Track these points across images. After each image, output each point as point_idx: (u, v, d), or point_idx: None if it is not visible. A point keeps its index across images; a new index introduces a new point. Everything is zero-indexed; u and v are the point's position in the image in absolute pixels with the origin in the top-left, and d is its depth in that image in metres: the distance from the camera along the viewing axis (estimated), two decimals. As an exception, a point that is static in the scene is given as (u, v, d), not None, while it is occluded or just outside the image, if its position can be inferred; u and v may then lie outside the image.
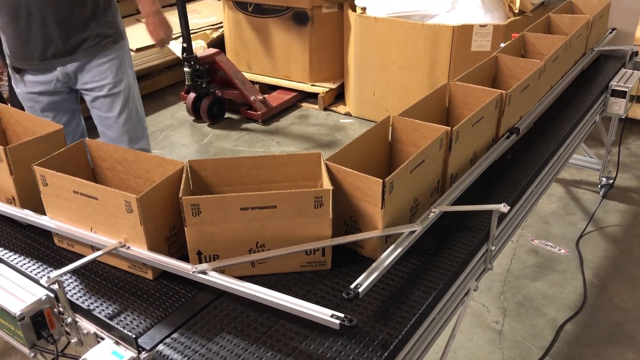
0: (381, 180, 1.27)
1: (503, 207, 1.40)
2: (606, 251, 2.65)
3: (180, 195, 1.25)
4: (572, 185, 3.18)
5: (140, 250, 1.28)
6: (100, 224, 1.33)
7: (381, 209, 1.30)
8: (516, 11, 3.51)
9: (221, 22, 4.73)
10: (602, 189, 3.06)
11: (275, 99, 4.18)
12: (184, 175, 1.33)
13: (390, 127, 1.62)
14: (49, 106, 2.32)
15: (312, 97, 4.24)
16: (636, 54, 2.73)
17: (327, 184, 1.31)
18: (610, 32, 2.94)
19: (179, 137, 3.85)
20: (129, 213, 1.25)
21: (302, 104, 4.28)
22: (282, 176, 1.45)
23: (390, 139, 1.64)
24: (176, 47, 4.30)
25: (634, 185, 3.16)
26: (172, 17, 4.77)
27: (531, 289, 2.42)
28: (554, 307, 2.32)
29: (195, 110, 3.99)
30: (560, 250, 2.66)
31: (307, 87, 4.19)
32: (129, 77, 2.38)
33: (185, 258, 1.31)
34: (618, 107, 2.47)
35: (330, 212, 1.28)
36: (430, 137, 1.48)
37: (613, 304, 2.34)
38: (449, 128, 1.50)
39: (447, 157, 1.55)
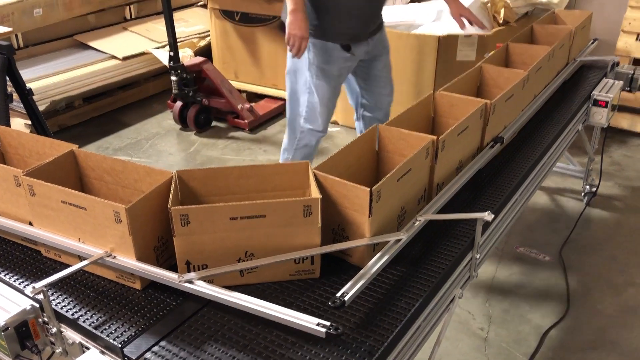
0: (368, 189, 1.29)
1: (487, 216, 1.42)
2: (589, 258, 2.69)
3: (169, 205, 1.25)
4: (557, 193, 3.22)
5: (126, 260, 1.29)
6: (89, 234, 1.33)
7: (368, 217, 1.32)
8: (500, 21, 3.56)
9: (208, 31, 4.74)
10: (586, 197, 3.11)
11: (263, 108, 4.19)
12: (172, 186, 1.34)
13: (378, 136, 1.64)
14: None
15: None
16: (617, 64, 2.79)
17: (315, 193, 1.33)
18: (592, 43, 2.99)
19: (165, 146, 3.84)
20: (118, 223, 1.25)
21: (289, 113, 4.29)
22: (270, 185, 1.46)
23: (377, 148, 1.66)
24: (163, 55, 4.31)
25: (616, 193, 3.21)
26: (159, 26, 4.79)
27: (516, 296, 2.45)
28: (539, 314, 2.35)
29: (182, 119, 3.99)
30: (544, 257, 2.69)
31: (294, 96, 4.20)
32: None
33: (174, 268, 1.31)
34: (600, 116, 2.51)
35: (319, 221, 1.30)
36: (416, 146, 1.50)
37: (596, 310, 2.37)
38: (435, 137, 1.52)
39: (433, 166, 1.57)
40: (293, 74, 2.65)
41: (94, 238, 1.33)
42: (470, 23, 2.63)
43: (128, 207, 1.23)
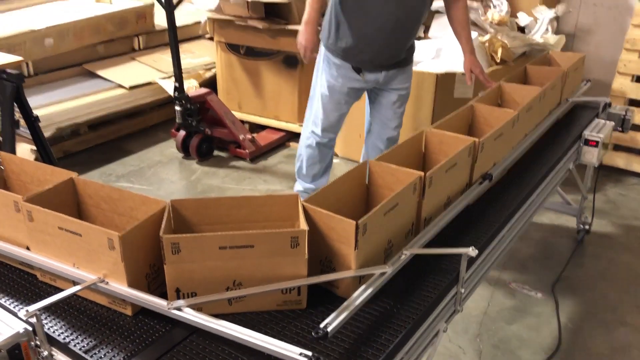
0: (354, 222, 1.33)
1: (471, 251, 1.46)
2: (581, 296, 2.70)
3: (160, 233, 1.30)
4: (550, 230, 3.25)
5: (118, 286, 1.33)
6: (83, 260, 1.37)
7: (355, 249, 1.36)
8: (498, 60, 3.64)
9: (214, 63, 4.85)
10: (579, 234, 3.13)
11: (264, 138, 4.26)
12: (165, 214, 1.39)
13: (368, 171, 1.69)
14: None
15: (300, 136, 4.32)
16: (609, 105, 2.85)
17: (303, 225, 1.37)
18: (585, 84, 3.06)
19: (167, 174, 3.90)
20: (111, 250, 1.30)
21: (290, 144, 4.36)
22: (261, 216, 1.51)
23: (367, 182, 1.71)
24: (169, 85, 4.41)
25: (610, 232, 3.24)
26: (166, 56, 4.91)
27: (507, 332, 2.46)
28: (529, 350, 2.36)
29: (184, 148, 4.06)
30: (537, 293, 2.71)
31: (295, 127, 4.28)
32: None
33: (165, 295, 1.35)
34: (591, 155, 2.56)
35: (306, 252, 1.34)
36: (404, 182, 1.55)
37: (587, 348, 2.38)
38: (423, 173, 1.57)
39: (420, 201, 1.61)
40: (314, 75, 2.88)
41: (88, 264, 1.37)
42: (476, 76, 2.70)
43: (121, 234, 1.27)
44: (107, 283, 1.34)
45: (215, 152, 4.19)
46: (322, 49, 2.75)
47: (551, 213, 3.36)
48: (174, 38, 3.70)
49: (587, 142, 2.52)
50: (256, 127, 4.50)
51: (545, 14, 3.93)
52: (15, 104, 2.99)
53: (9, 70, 2.93)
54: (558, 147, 2.41)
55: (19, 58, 3.09)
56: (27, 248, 1.49)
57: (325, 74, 2.76)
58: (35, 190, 1.51)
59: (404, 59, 2.74)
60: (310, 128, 2.97)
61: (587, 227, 3.13)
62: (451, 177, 1.75)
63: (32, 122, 3.08)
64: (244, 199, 1.50)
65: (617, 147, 3.87)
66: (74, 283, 1.40)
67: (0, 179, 1.76)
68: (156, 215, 1.40)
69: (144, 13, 5.03)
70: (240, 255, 1.32)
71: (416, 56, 3.71)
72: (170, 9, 3.63)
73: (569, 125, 2.65)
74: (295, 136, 4.37)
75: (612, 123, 2.70)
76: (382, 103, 2.85)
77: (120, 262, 1.30)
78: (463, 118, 2.14)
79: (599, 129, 2.58)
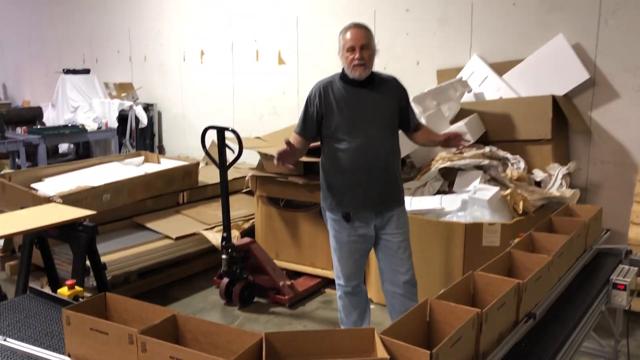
0: (429, 352, 1.55)
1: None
2: None
3: (266, 361, 1.52)
4: (588, 374, 3.32)
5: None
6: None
7: (429, 377, 1.55)
8: (520, 212, 3.98)
9: (251, 214, 5.25)
10: (618, 378, 3.21)
11: (302, 285, 4.49)
12: (264, 346, 1.61)
13: (429, 308, 1.92)
14: None
15: (335, 283, 4.55)
16: (630, 252, 3.10)
17: (382, 354, 1.58)
18: (605, 233, 3.35)
19: (211, 320, 4.08)
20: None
21: (326, 290, 4.58)
22: (341, 348, 1.71)
23: (428, 319, 1.93)
24: (212, 236, 4.76)
25: (647, 376, 3.31)
26: (209, 210, 5.32)
27: None
28: None
29: (227, 294, 4.29)
30: None
31: (330, 274, 4.52)
32: None
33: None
34: (620, 298, 2.76)
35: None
36: (464, 318, 1.78)
37: None
38: (480, 310, 1.80)
39: (479, 336, 1.82)
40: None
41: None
42: (453, 140, 3.16)
43: (230, 361, 1.49)
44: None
45: (256, 299, 4.39)
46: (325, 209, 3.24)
47: (586, 357, 3.45)
48: (225, 193, 4.12)
49: (616, 286, 2.73)
50: (293, 274, 4.75)
51: (558, 171, 4.35)
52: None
53: (85, 223, 3.29)
54: (589, 291, 2.63)
55: (92, 212, 3.47)
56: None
57: (331, 229, 3.22)
58: (136, 327, 1.75)
59: (391, 204, 3.15)
60: (336, 281, 3.33)
61: (624, 370, 3.21)
62: (501, 315, 1.97)
63: (100, 270, 3.38)
64: (327, 332, 1.72)
65: (641, 293, 4.04)
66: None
67: (103, 317, 2.00)
68: (252, 348, 1.62)
69: (190, 171, 5.56)
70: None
71: (445, 208, 4.10)
72: (223, 169, 4.09)
73: (596, 271, 2.88)
74: (331, 282, 4.60)
75: (636, 269, 2.93)
76: (387, 253, 3.21)
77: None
78: (502, 263, 2.40)
79: (625, 274, 2.81)
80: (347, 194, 3.10)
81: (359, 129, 3.03)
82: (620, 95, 4.53)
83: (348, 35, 3.00)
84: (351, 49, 2.98)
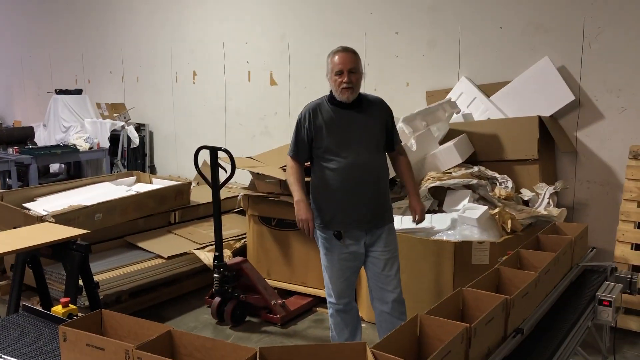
0: (419, 365, 1.59)
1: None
2: None
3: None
4: (577, 391, 3.36)
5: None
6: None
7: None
8: (508, 230, 4.04)
9: (243, 234, 5.27)
10: (606, 394, 3.25)
11: (293, 304, 4.51)
12: None
13: (419, 324, 1.97)
14: None
15: (326, 302, 4.57)
16: (615, 269, 3.17)
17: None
18: (591, 251, 3.42)
19: (202, 339, 4.09)
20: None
21: (318, 309, 4.60)
22: (334, 362, 1.76)
23: (418, 334, 1.98)
24: (204, 255, 4.78)
25: (635, 392, 3.36)
26: (200, 229, 5.35)
27: None
28: None
29: (219, 314, 4.30)
30: None
31: (322, 293, 4.54)
32: None
33: None
34: (606, 314, 2.82)
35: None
36: (453, 332, 1.82)
37: None
38: (469, 325, 1.85)
39: (467, 350, 1.87)
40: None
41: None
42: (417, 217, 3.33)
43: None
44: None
45: (247, 318, 4.40)
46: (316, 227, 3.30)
47: (575, 374, 3.49)
48: (218, 213, 4.16)
49: (601, 302, 2.79)
50: (284, 293, 4.76)
51: (545, 190, 4.43)
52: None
53: (78, 242, 3.31)
54: (576, 307, 2.68)
55: (86, 231, 3.49)
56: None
57: (322, 247, 3.28)
58: (132, 343, 1.78)
59: (380, 221, 3.21)
60: (327, 299, 3.38)
61: (612, 386, 3.26)
62: (490, 330, 2.01)
63: (92, 288, 3.39)
64: (319, 347, 1.76)
65: (629, 311, 4.10)
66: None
67: (99, 333, 2.02)
68: (246, 362, 1.65)
69: (182, 190, 5.59)
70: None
71: (434, 227, 4.15)
72: (216, 189, 4.13)
73: (582, 288, 2.94)
74: (322, 301, 4.62)
75: (621, 285, 2.99)
76: (373, 269, 3.27)
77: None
78: (491, 280, 2.46)
79: (610, 291, 2.88)
80: (337, 212, 3.17)
81: (348, 149, 3.12)
82: (604, 116, 4.65)
83: (336, 58, 3.09)
84: (339, 73, 3.07)
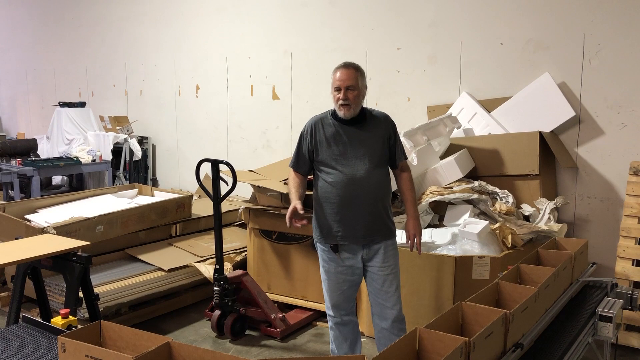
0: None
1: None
2: None
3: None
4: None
5: None
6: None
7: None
8: (509, 245, 4.04)
9: (244, 247, 5.27)
10: (607, 412, 3.22)
11: (293, 317, 4.49)
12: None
13: (418, 338, 1.97)
14: None
15: (327, 316, 4.56)
16: (616, 284, 3.17)
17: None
18: (592, 266, 3.41)
19: (202, 352, 4.07)
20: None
21: (318, 323, 4.58)
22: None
23: (417, 348, 1.97)
24: (204, 268, 4.77)
25: (636, 409, 3.33)
26: (201, 242, 5.35)
27: None
28: None
29: (219, 327, 4.28)
30: None
31: (322, 307, 4.53)
32: None
33: None
34: (607, 330, 2.81)
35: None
36: (452, 346, 1.82)
37: None
38: (467, 339, 1.85)
39: (466, 364, 1.87)
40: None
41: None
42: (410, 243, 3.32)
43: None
44: None
45: (247, 331, 4.39)
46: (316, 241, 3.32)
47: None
48: (218, 226, 4.16)
49: (602, 318, 2.79)
50: (284, 307, 4.75)
51: (546, 205, 4.44)
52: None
53: (80, 253, 3.32)
54: (576, 322, 2.68)
55: (86, 242, 3.50)
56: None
57: (321, 259, 3.30)
58: (131, 354, 1.78)
59: (377, 237, 3.21)
60: (327, 311, 3.38)
61: (613, 403, 3.23)
62: (489, 344, 2.01)
63: (92, 300, 3.38)
64: (319, 359, 1.76)
65: (630, 327, 4.09)
66: None
67: (98, 345, 2.03)
68: (245, 373, 1.65)
69: (183, 203, 5.60)
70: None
71: (435, 241, 4.15)
72: (217, 202, 4.14)
73: (582, 303, 2.94)
74: (322, 315, 4.61)
75: (622, 301, 2.98)
76: (373, 284, 3.27)
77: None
78: (491, 294, 2.46)
79: (610, 307, 2.87)
80: (334, 225, 3.18)
81: (347, 164, 3.14)
82: (605, 132, 4.67)
83: (337, 75, 3.13)
84: (337, 89, 3.11)
